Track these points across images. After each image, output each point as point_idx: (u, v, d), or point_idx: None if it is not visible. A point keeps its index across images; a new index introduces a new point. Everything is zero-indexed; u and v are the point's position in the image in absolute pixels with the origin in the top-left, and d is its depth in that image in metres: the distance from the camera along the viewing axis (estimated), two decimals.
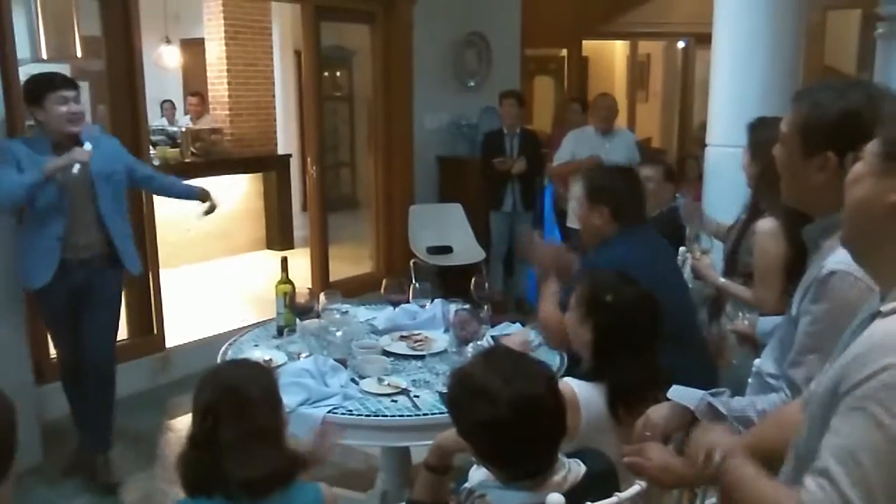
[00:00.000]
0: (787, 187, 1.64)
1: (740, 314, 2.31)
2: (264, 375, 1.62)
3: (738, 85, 3.87)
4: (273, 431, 1.52)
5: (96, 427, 3.41)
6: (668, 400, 1.78)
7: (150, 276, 4.33)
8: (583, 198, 2.61)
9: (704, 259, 2.88)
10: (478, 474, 1.60)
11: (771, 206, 2.52)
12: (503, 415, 1.37)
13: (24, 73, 3.70)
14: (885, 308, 1.10)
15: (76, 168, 3.05)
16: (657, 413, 1.78)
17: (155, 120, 7.60)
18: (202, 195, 3.63)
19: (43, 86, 3.09)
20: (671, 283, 2.54)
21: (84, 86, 7.89)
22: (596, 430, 1.80)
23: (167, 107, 8.43)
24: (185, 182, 3.77)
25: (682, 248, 3.42)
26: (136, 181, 3.49)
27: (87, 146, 3.09)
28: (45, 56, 6.57)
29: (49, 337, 3.58)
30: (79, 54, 6.52)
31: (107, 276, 3.32)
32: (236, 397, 1.49)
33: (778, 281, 2.53)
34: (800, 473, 1.13)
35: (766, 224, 2.55)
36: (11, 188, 3.02)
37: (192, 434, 1.52)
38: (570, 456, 1.49)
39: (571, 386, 1.88)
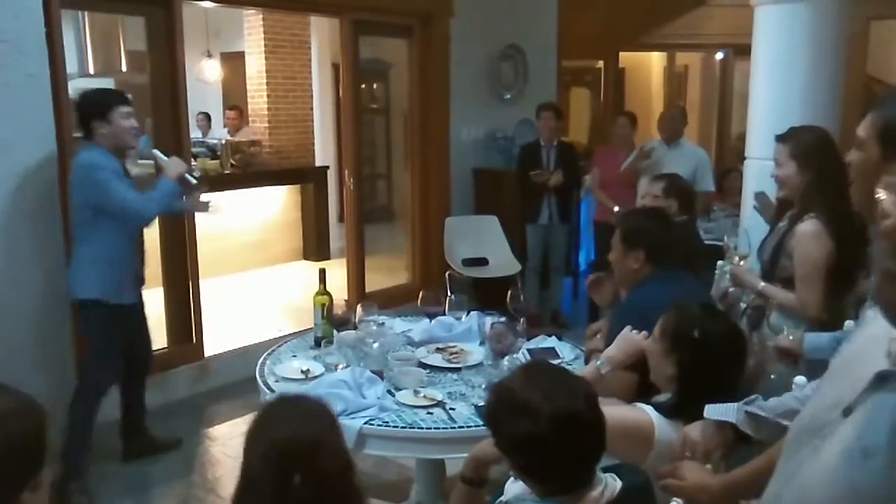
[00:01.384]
0: (862, 192, 1.62)
1: (785, 329, 2.27)
2: (321, 416, 1.46)
3: (777, 97, 3.84)
4: (344, 474, 1.40)
5: (138, 399, 3.73)
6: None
7: (190, 285, 4.41)
8: (617, 241, 2.58)
9: (743, 264, 2.84)
10: (514, 487, 1.61)
11: (820, 213, 2.49)
12: (543, 431, 1.36)
13: (72, 87, 3.82)
14: None
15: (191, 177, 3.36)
16: (695, 431, 1.76)
17: (192, 132, 7.73)
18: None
19: (108, 101, 3.29)
20: None
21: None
22: (662, 458, 1.76)
23: (201, 119, 8.58)
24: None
25: (720, 262, 3.39)
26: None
27: (158, 152, 3.39)
28: (91, 71, 6.76)
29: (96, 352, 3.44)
30: (124, 69, 6.70)
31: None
32: (298, 455, 1.35)
33: (821, 283, 2.49)
34: None
35: (808, 226, 2.52)
36: (149, 202, 3.25)
37: (250, 484, 1.39)
38: (605, 470, 1.49)
39: (651, 416, 1.85)
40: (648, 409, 1.88)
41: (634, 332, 2.23)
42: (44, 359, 3.61)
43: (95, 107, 3.28)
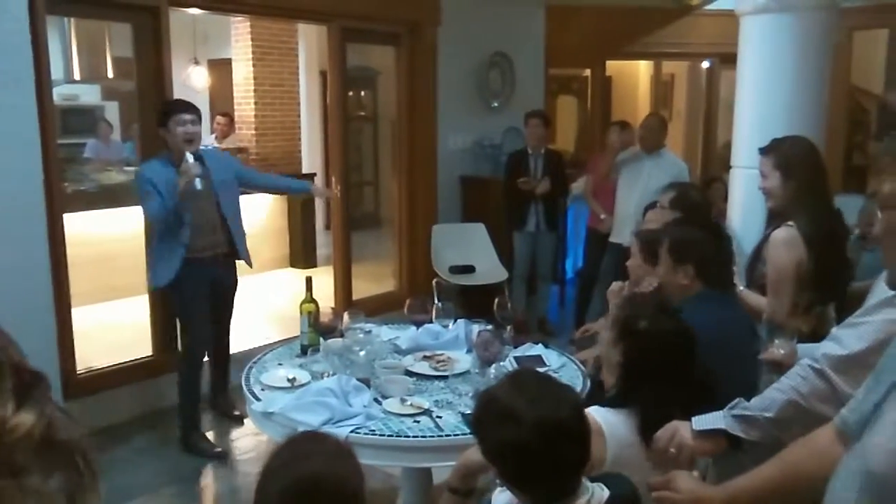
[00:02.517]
0: None
1: (776, 341, 2.28)
2: (346, 458, 1.40)
3: (763, 106, 3.86)
4: None
5: (222, 377, 4.25)
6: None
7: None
8: (664, 254, 2.47)
9: (734, 269, 2.87)
10: (501, 498, 1.60)
11: (801, 221, 2.51)
12: (527, 437, 1.36)
13: (58, 94, 3.81)
14: None
15: (199, 183, 3.59)
16: (688, 433, 1.76)
17: None
18: (306, 189, 4.52)
19: (168, 110, 3.75)
20: (743, 356, 2.37)
21: (114, 105, 8.10)
22: (623, 458, 1.76)
23: None
24: (282, 178, 4.28)
25: None
26: (243, 182, 4.09)
27: (189, 158, 3.62)
28: (77, 77, 6.72)
29: (181, 331, 4.01)
30: (110, 75, 6.67)
31: (231, 269, 4.04)
32: (320, 497, 1.31)
33: (788, 291, 2.51)
34: None
35: (782, 233, 2.55)
36: (157, 214, 3.65)
37: None
38: (593, 480, 1.48)
39: (595, 417, 1.84)
40: (592, 410, 1.87)
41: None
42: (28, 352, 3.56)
43: (158, 116, 3.76)
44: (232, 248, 3.94)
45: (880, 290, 1.60)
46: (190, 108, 3.79)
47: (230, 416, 4.23)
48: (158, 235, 3.78)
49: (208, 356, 4.15)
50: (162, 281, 3.79)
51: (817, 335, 2.28)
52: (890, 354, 1.16)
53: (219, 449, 3.91)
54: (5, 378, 0.66)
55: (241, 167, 4.12)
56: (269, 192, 4.18)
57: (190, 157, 3.63)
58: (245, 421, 4.05)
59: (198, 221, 3.76)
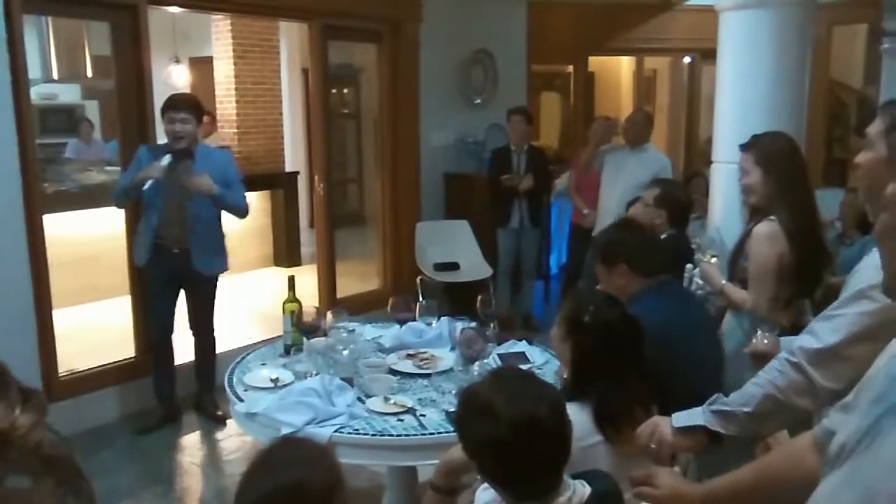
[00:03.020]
0: (868, 192, 1.66)
1: (759, 332, 2.30)
2: (328, 464, 1.38)
3: (743, 101, 3.88)
4: None
5: (206, 378, 4.27)
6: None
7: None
8: (598, 264, 2.54)
9: (715, 262, 2.89)
10: (484, 495, 1.60)
11: (782, 216, 2.53)
12: (505, 434, 1.37)
13: (35, 93, 3.78)
14: None
15: (148, 184, 3.70)
16: (668, 428, 1.77)
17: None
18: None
19: (164, 105, 3.90)
20: (698, 342, 2.43)
21: (94, 104, 8.02)
22: (586, 448, 1.77)
23: None
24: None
25: (688, 266, 3.43)
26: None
27: (165, 161, 3.71)
28: (55, 76, 6.65)
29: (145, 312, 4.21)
30: (89, 74, 6.60)
31: (205, 262, 4.01)
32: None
33: (771, 283, 2.54)
34: None
35: (763, 228, 2.57)
36: (116, 190, 3.92)
37: None
38: (575, 477, 1.49)
39: None
40: None
41: None
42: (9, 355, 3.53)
43: (161, 110, 3.94)
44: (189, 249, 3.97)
45: (854, 282, 1.62)
46: (183, 105, 3.88)
47: (214, 418, 4.20)
48: (139, 216, 3.98)
49: (194, 357, 4.27)
50: (139, 260, 3.98)
51: (797, 328, 2.30)
52: (888, 375, 1.12)
53: (220, 412, 4.14)
54: (11, 384, 0.69)
55: (235, 175, 4.12)
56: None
57: (166, 159, 3.71)
58: (229, 422, 4.04)
59: (169, 214, 3.89)
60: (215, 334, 4.28)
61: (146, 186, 3.70)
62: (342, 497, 1.33)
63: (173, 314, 4.10)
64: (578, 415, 1.85)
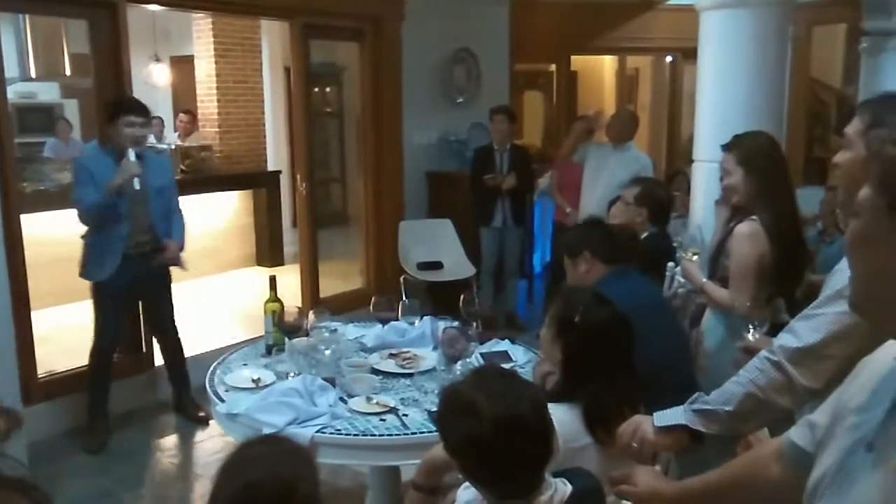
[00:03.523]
0: (845, 192, 1.69)
1: (751, 327, 2.30)
2: (299, 460, 1.37)
3: (724, 101, 3.90)
4: None
5: (180, 378, 4.25)
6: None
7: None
8: (565, 259, 2.68)
9: (696, 259, 2.90)
10: (466, 494, 1.60)
11: (764, 215, 2.54)
12: (486, 432, 1.37)
13: (13, 91, 3.73)
14: None
15: (136, 183, 3.63)
16: (650, 427, 1.77)
17: None
18: (170, 244, 4.03)
19: (117, 108, 3.74)
20: (658, 327, 2.49)
21: (73, 103, 7.94)
22: (574, 449, 1.78)
23: (156, 123, 8.41)
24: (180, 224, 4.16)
25: (669, 264, 3.44)
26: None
27: (132, 156, 3.63)
28: (33, 74, 6.58)
29: (95, 321, 3.94)
30: (68, 72, 6.54)
31: (158, 269, 4.01)
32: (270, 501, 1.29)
33: (751, 282, 2.55)
34: None
35: (745, 227, 2.58)
36: (88, 207, 3.67)
37: None
38: (556, 475, 1.49)
39: None
40: None
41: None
42: None
43: (107, 111, 3.79)
44: (154, 246, 3.94)
45: (834, 281, 1.63)
46: (142, 110, 3.79)
47: (195, 419, 4.17)
48: (95, 228, 3.78)
49: (164, 360, 4.25)
50: (101, 276, 3.80)
51: (774, 327, 2.31)
52: (858, 406, 1.07)
53: (202, 413, 4.10)
54: None
55: (173, 183, 4.13)
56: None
57: (132, 155, 3.64)
58: (211, 423, 4.01)
59: (138, 219, 3.82)
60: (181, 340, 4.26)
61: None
62: (317, 493, 1.32)
63: (123, 327, 4.06)
64: (568, 416, 1.85)
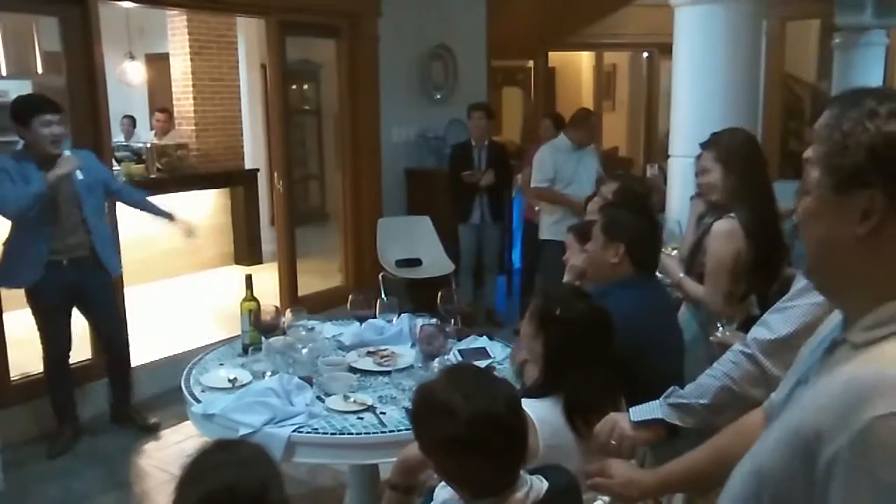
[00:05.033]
0: None
1: (719, 325, 2.32)
2: (262, 463, 1.34)
3: (699, 96, 3.93)
4: None
5: (122, 388, 4.09)
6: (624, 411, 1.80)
7: (115, 293, 4.26)
8: (597, 231, 2.47)
9: (675, 254, 2.92)
10: (443, 493, 1.60)
11: (741, 212, 2.56)
12: (461, 432, 1.36)
13: None
14: (855, 338, 0.99)
15: (79, 174, 3.48)
16: (627, 422, 1.78)
17: (115, 136, 7.48)
18: (169, 217, 3.96)
19: (29, 108, 3.49)
20: (668, 342, 2.43)
21: None
22: (556, 447, 1.79)
23: (126, 123, 8.32)
24: (153, 201, 4.05)
25: None
26: (110, 193, 3.90)
27: (67, 153, 3.47)
28: (4, 73, 6.47)
29: (39, 331, 3.76)
30: (39, 70, 6.43)
31: (96, 273, 3.77)
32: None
33: (723, 281, 2.57)
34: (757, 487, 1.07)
35: (722, 224, 2.60)
36: (19, 198, 3.38)
37: None
38: (532, 472, 1.49)
39: (525, 409, 1.86)
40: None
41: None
42: None
43: (15, 114, 3.50)
44: (94, 252, 3.73)
45: None
46: (54, 107, 3.56)
47: (145, 427, 4.07)
48: (14, 232, 3.55)
49: (107, 369, 4.08)
50: (19, 283, 3.60)
51: (749, 322, 2.33)
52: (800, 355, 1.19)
53: (153, 420, 4.02)
54: None
55: (109, 178, 3.97)
56: (135, 208, 4.05)
57: (67, 153, 3.49)
58: (187, 423, 3.93)
59: (66, 222, 3.60)
60: (129, 346, 4.14)
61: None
62: (280, 497, 1.29)
63: (70, 333, 3.84)
64: (550, 412, 1.86)
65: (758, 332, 1.71)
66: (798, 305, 1.63)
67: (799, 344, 1.62)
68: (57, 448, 3.78)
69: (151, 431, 4.05)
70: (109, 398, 4.12)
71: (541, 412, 1.83)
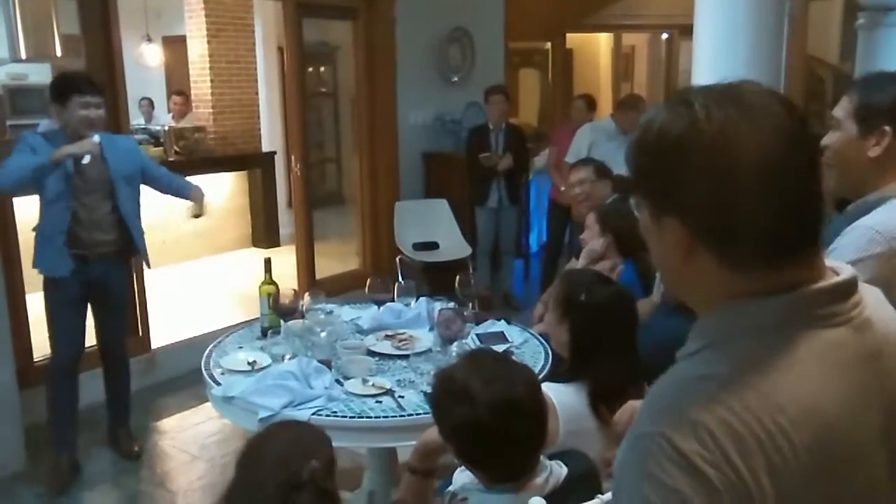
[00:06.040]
0: (840, 174, 1.71)
1: None
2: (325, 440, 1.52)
3: (720, 78, 3.87)
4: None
5: (121, 408, 3.73)
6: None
7: (134, 275, 4.30)
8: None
9: None
10: (462, 477, 1.60)
11: None
12: (482, 417, 1.37)
13: (4, 73, 3.67)
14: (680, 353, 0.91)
15: (87, 158, 3.16)
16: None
17: (134, 119, 7.53)
18: (194, 194, 3.65)
19: (69, 87, 3.24)
20: None
21: None
22: (577, 433, 1.79)
23: (145, 104, 8.36)
24: (184, 179, 3.77)
25: None
26: (147, 179, 3.58)
27: (96, 138, 3.19)
28: (23, 56, 6.51)
29: (51, 328, 3.43)
30: (58, 53, 6.46)
31: (120, 271, 3.56)
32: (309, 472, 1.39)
33: None
34: None
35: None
36: (17, 168, 3.09)
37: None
38: (551, 458, 1.49)
39: (548, 393, 1.84)
40: (545, 386, 1.86)
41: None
42: None
43: (55, 91, 3.28)
44: (121, 248, 3.45)
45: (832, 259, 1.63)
46: (96, 89, 3.30)
47: (129, 454, 3.66)
48: (40, 217, 3.30)
49: (104, 383, 3.70)
50: (60, 270, 3.28)
51: None
52: None
53: (136, 447, 3.65)
54: None
55: (148, 161, 3.67)
56: (165, 193, 3.69)
57: (96, 137, 3.19)
58: (206, 405, 3.91)
59: (85, 216, 3.29)
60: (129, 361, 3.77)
61: (52, 173, 3.15)
62: (332, 478, 1.38)
63: (84, 335, 3.48)
64: (575, 398, 1.86)
65: None
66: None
67: None
68: (58, 485, 3.37)
69: (133, 458, 3.64)
70: (107, 418, 3.74)
71: (564, 397, 1.83)
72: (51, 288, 3.35)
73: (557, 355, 2.10)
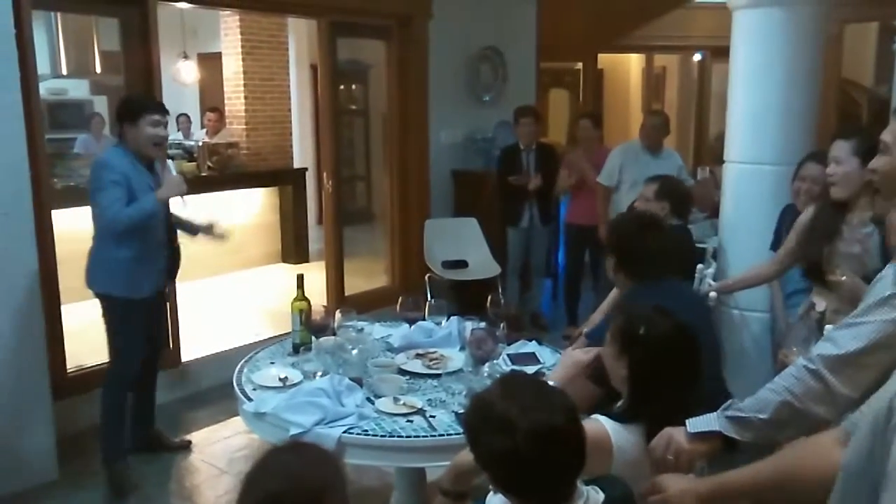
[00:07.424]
0: (888, 197, 1.73)
1: (837, 272, 2.24)
2: (324, 465, 1.39)
3: (756, 101, 3.84)
4: None
5: (150, 406, 3.87)
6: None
7: (166, 290, 4.34)
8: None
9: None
10: (495, 500, 1.58)
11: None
12: (521, 446, 1.34)
13: (44, 88, 3.75)
14: None
15: (184, 201, 3.46)
16: (682, 436, 1.75)
17: (173, 134, 7.64)
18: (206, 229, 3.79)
19: (140, 107, 3.41)
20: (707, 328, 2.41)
21: (102, 100, 8.03)
22: (630, 476, 1.71)
23: (182, 120, 8.50)
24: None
25: (699, 266, 3.40)
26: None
27: (172, 168, 3.46)
28: (64, 72, 6.67)
29: (117, 342, 3.51)
30: (98, 70, 6.61)
31: (170, 286, 3.92)
32: None
33: None
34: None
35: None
36: (140, 210, 3.28)
37: None
38: (587, 483, 1.47)
39: (606, 427, 1.79)
40: (602, 419, 1.84)
41: (574, 349, 2.25)
42: (18, 351, 3.51)
43: (126, 109, 3.43)
44: (171, 265, 3.76)
45: (877, 290, 1.59)
46: (164, 109, 3.51)
47: (176, 447, 3.88)
48: (139, 244, 3.39)
49: (142, 382, 3.74)
50: (135, 292, 3.42)
51: None
52: None
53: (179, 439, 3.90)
54: None
55: None
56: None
57: (172, 168, 3.45)
58: (236, 419, 3.93)
59: (163, 232, 3.56)
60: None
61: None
62: (339, 501, 1.31)
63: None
64: (633, 442, 1.80)
65: (823, 347, 1.66)
66: (869, 322, 1.58)
67: (865, 362, 1.58)
68: (128, 486, 3.49)
69: (185, 449, 3.88)
70: (130, 426, 3.68)
71: (622, 442, 1.77)
72: (127, 308, 3.43)
73: (609, 386, 2.01)
